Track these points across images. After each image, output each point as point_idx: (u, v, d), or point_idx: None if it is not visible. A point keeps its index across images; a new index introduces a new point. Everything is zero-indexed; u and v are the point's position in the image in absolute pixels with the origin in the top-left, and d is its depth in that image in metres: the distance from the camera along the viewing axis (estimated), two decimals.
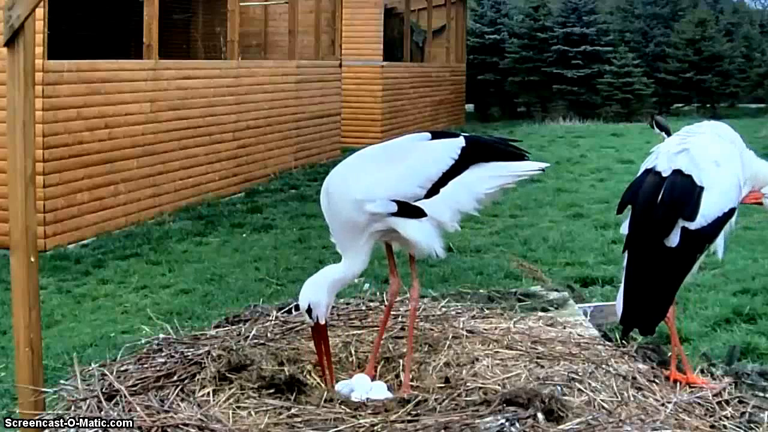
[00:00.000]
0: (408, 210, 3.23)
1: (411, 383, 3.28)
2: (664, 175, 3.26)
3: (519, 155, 3.46)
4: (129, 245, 9.86)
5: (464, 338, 3.59)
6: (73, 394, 3.18)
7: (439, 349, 3.51)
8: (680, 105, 29.03)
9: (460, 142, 3.35)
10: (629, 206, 3.35)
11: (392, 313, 3.95)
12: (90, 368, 3.33)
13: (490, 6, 30.43)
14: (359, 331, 3.77)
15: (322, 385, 3.30)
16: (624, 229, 3.34)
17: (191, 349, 3.47)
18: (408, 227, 3.25)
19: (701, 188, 3.21)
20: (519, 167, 3.43)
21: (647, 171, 3.34)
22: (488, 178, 3.36)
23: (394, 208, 3.22)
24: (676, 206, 3.19)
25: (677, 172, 3.24)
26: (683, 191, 3.20)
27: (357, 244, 3.30)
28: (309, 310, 3.29)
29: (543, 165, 3.49)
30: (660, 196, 3.23)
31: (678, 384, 3.28)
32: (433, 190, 3.26)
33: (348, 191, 3.24)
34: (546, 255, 8.96)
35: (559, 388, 3.07)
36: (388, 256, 3.47)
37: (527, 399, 2.82)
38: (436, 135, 3.43)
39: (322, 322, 3.31)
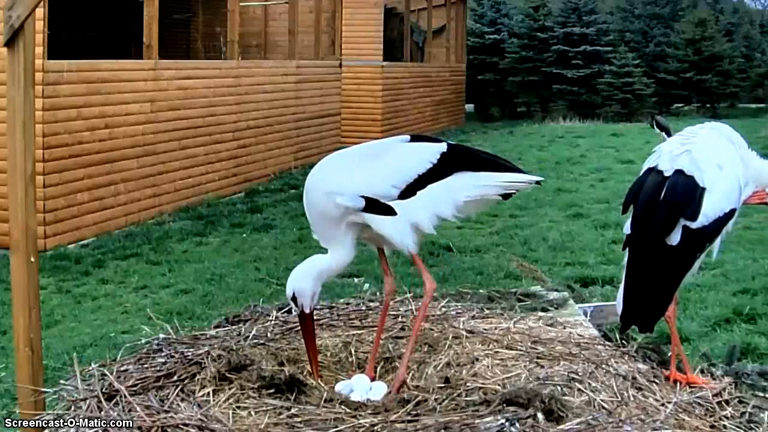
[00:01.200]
0: (376, 207, 3.25)
1: (411, 383, 3.28)
2: (666, 174, 3.26)
3: (509, 168, 3.42)
4: (129, 245, 9.86)
5: (464, 338, 3.59)
6: (73, 394, 3.18)
7: (439, 349, 3.50)
8: (680, 105, 29.04)
9: (441, 147, 3.35)
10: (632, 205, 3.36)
11: (392, 313, 3.95)
12: (90, 368, 3.32)
13: (490, 6, 30.46)
14: (359, 331, 3.77)
15: (323, 384, 3.30)
16: (627, 229, 3.34)
17: (191, 349, 3.47)
18: (379, 222, 3.26)
19: (703, 189, 3.21)
20: (507, 178, 3.39)
21: (649, 170, 3.35)
22: (471, 186, 3.34)
23: (362, 203, 3.24)
24: (677, 205, 3.20)
25: (679, 172, 3.25)
26: (685, 191, 3.21)
27: (337, 235, 3.31)
28: (294, 299, 3.34)
29: (535, 178, 3.44)
30: (662, 195, 3.23)
31: (678, 384, 3.28)
32: (408, 192, 3.27)
33: (321, 184, 3.30)
34: (546, 255, 8.97)
35: (559, 388, 3.07)
36: (380, 256, 3.48)
37: (527, 399, 2.82)
38: (418, 139, 3.45)
39: (307, 310, 3.35)
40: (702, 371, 3.43)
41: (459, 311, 4.04)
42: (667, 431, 2.84)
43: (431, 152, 3.32)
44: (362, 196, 3.24)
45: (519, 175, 3.41)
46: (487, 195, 3.39)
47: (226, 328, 3.81)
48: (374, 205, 3.25)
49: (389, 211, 3.25)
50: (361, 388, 3.23)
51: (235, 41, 13.33)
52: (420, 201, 3.28)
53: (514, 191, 3.44)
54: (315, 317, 3.66)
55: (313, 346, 3.37)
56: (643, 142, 17.77)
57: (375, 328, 3.76)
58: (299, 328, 3.75)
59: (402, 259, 3.56)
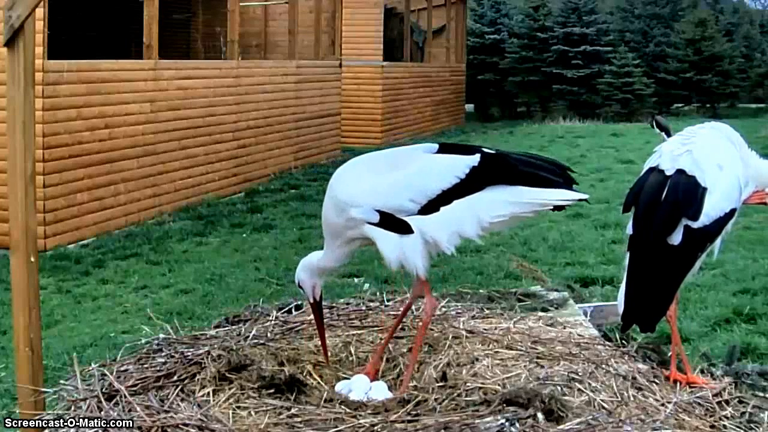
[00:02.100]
0: (391, 222, 3.08)
1: (411, 383, 3.27)
2: (668, 174, 3.26)
3: (554, 182, 3.10)
4: (129, 245, 9.86)
5: (464, 338, 3.59)
6: (73, 394, 3.18)
7: (439, 349, 3.50)
8: (680, 105, 29.04)
9: (471, 160, 3.09)
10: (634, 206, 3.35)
11: (392, 313, 3.96)
12: (90, 368, 3.32)
13: (490, 6, 30.48)
14: (359, 331, 3.77)
15: (323, 384, 3.30)
16: (629, 229, 3.34)
17: (191, 349, 3.47)
18: (383, 240, 3.11)
19: (704, 189, 3.22)
20: (544, 196, 3.09)
21: (651, 170, 3.35)
22: (502, 203, 3.08)
23: (376, 218, 3.09)
24: (679, 205, 3.20)
25: (680, 172, 3.25)
26: (686, 191, 3.21)
27: (333, 244, 3.28)
28: (301, 287, 3.43)
29: (579, 196, 3.11)
30: (663, 195, 3.23)
31: (678, 384, 3.28)
32: (430, 207, 3.07)
33: (336, 191, 3.19)
34: (546, 255, 8.97)
35: (559, 388, 3.07)
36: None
37: (527, 399, 2.82)
38: (449, 148, 3.20)
39: (310, 300, 3.43)
40: (702, 371, 3.43)
41: (459, 311, 4.04)
42: (667, 431, 2.83)
43: (460, 166, 3.08)
44: (377, 210, 3.08)
45: (559, 193, 3.10)
46: (519, 214, 3.13)
47: (226, 328, 3.81)
48: (389, 220, 3.08)
49: (405, 228, 3.08)
50: (361, 388, 3.23)
51: (235, 41, 13.33)
52: (442, 217, 3.07)
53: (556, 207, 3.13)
54: None
55: (322, 335, 3.43)
56: (643, 142, 17.77)
57: (375, 328, 3.78)
58: (299, 328, 3.78)
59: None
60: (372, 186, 3.14)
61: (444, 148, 3.20)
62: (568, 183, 3.14)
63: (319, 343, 3.49)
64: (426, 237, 3.09)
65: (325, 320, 3.86)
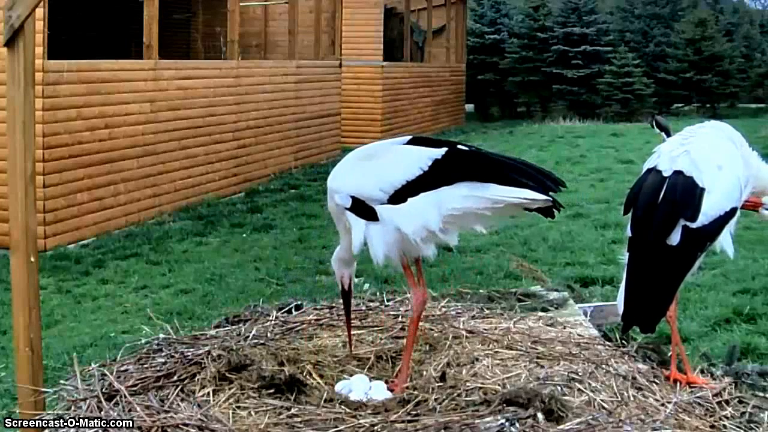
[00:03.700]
0: (360, 208, 3.21)
1: (411, 383, 3.27)
2: (665, 174, 3.27)
3: (523, 184, 3.10)
4: (129, 245, 9.86)
5: (464, 338, 3.59)
6: (73, 394, 3.18)
7: (439, 349, 3.51)
8: (680, 105, 29.04)
9: (435, 153, 3.16)
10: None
11: (392, 313, 3.97)
12: (90, 368, 3.33)
13: (490, 6, 30.49)
14: (359, 331, 3.77)
15: (323, 384, 3.30)
16: (629, 231, 3.34)
17: (191, 349, 3.47)
18: (353, 224, 3.24)
19: (702, 189, 3.22)
20: (502, 192, 3.10)
21: (649, 170, 3.36)
22: (461, 197, 3.12)
23: (349, 203, 3.24)
24: (677, 206, 3.20)
25: (678, 173, 3.25)
26: (684, 191, 3.21)
27: (341, 230, 3.39)
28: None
29: (541, 197, 3.11)
30: (661, 195, 3.23)
31: (678, 384, 3.28)
32: (398, 197, 3.15)
33: (329, 180, 3.35)
34: (546, 255, 8.96)
35: (559, 388, 3.07)
36: (407, 266, 3.36)
37: (527, 399, 2.82)
38: (419, 141, 3.28)
39: (339, 288, 3.55)
40: (702, 371, 3.43)
41: (459, 311, 4.04)
42: (667, 431, 2.84)
43: (423, 158, 3.15)
44: (351, 196, 3.23)
45: (521, 192, 3.10)
46: (477, 209, 3.15)
47: (226, 328, 3.81)
48: (359, 207, 3.21)
49: (372, 215, 3.19)
50: (361, 388, 3.23)
51: (235, 41, 13.32)
52: (409, 209, 3.14)
53: (526, 207, 3.17)
54: (316, 317, 3.82)
55: (348, 324, 3.55)
56: (643, 142, 17.77)
57: (375, 328, 3.79)
58: (299, 328, 3.78)
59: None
60: (350, 174, 3.30)
61: (414, 141, 3.30)
62: (545, 189, 3.14)
63: (320, 342, 3.50)
64: (393, 226, 3.18)
65: (325, 320, 3.88)
